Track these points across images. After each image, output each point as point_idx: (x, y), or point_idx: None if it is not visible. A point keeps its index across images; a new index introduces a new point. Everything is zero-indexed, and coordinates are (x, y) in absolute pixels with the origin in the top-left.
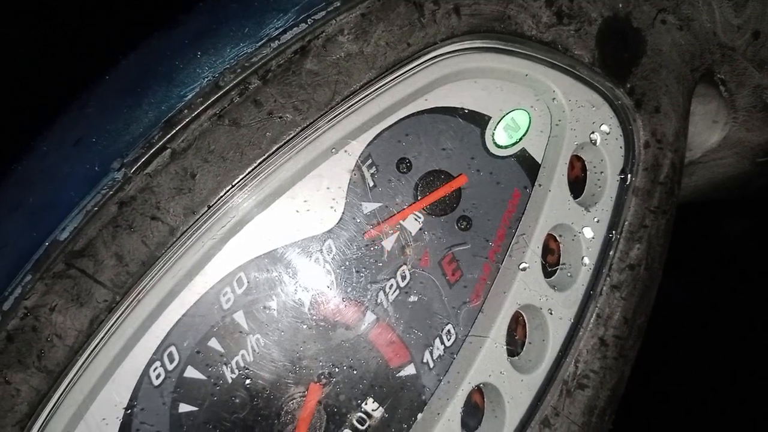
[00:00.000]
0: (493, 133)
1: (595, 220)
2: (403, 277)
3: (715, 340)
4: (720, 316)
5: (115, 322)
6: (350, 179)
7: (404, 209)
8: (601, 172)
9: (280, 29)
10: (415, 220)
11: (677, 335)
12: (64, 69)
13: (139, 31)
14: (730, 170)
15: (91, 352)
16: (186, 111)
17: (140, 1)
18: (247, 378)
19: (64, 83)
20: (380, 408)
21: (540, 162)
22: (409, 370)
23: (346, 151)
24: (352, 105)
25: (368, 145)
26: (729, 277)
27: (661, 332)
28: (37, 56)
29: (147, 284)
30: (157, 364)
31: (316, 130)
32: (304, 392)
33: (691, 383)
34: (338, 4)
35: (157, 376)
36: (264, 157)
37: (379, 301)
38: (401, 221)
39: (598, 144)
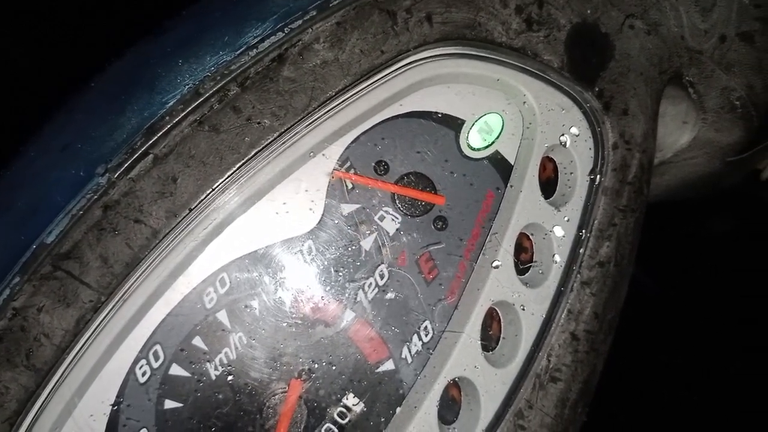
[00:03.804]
0: (467, 136)
1: (566, 219)
2: (382, 276)
3: (690, 335)
4: (694, 311)
5: (101, 321)
6: (329, 182)
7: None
8: (571, 173)
9: (258, 38)
10: (393, 221)
11: (652, 330)
12: (50, 74)
13: (124, 38)
14: (701, 169)
15: (78, 350)
16: (167, 117)
17: (125, 7)
18: (230, 375)
19: (51, 88)
20: (360, 402)
21: (512, 163)
22: (388, 365)
23: (324, 155)
24: (328, 110)
25: (346, 148)
26: (704, 274)
27: (636, 327)
28: (25, 62)
29: (131, 285)
30: (143, 362)
31: (294, 134)
32: (286, 388)
33: (665, 377)
34: (314, 13)
35: (143, 374)
36: (243, 161)
37: (358, 299)
38: (379, 222)
39: (568, 146)
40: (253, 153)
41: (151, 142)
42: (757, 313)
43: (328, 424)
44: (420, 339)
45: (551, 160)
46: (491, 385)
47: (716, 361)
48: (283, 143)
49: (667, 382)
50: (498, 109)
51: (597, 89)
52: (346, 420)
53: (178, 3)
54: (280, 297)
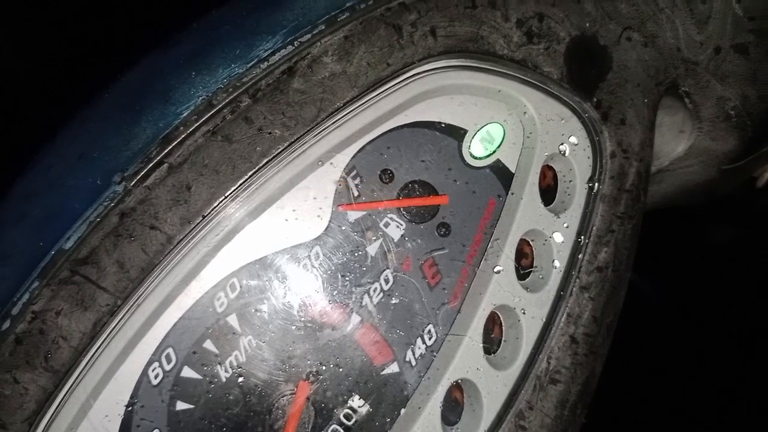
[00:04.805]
0: (470, 145)
1: (565, 225)
2: (387, 281)
3: (690, 342)
4: (694, 318)
5: (116, 324)
6: (336, 190)
7: (386, 202)
8: (571, 181)
9: (269, 51)
10: (397, 227)
11: (653, 336)
12: (59, 84)
13: (135, 50)
14: (697, 177)
15: (95, 353)
16: (182, 128)
17: (137, 19)
18: (240, 377)
19: (60, 98)
20: (366, 404)
21: (513, 172)
22: (393, 368)
23: (331, 164)
24: (336, 121)
25: (353, 157)
26: (704, 281)
27: (637, 334)
28: (40, 71)
29: (146, 289)
30: (156, 364)
31: (303, 144)
32: (294, 389)
33: (665, 383)
34: (323, 27)
35: (156, 376)
36: (254, 170)
37: (364, 303)
38: (384, 228)
39: (567, 154)
40: (264, 162)
41: (166, 151)
42: (756, 321)
43: (334, 425)
44: (424, 342)
45: (551, 168)
46: (493, 386)
47: (715, 367)
48: (293, 152)
49: (666, 387)
50: (499, 119)
51: (595, 100)
52: (352, 421)
53: (190, 16)
54: (288, 301)
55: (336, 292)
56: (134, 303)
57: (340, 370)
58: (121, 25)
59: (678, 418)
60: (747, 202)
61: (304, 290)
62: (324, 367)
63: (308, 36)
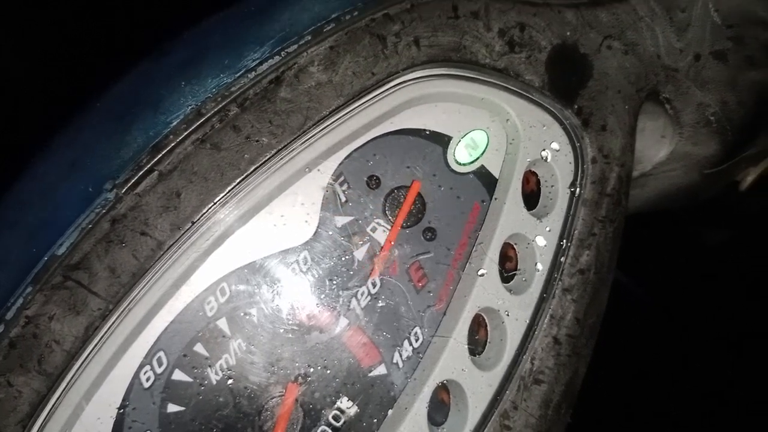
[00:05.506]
0: (454, 152)
1: (548, 229)
2: (374, 285)
3: (675, 344)
4: (680, 320)
5: (108, 329)
6: (323, 195)
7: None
8: (553, 186)
9: (257, 61)
10: (384, 231)
11: (639, 338)
12: (51, 91)
13: (126, 59)
14: (680, 181)
15: (87, 356)
16: (171, 136)
17: (128, 28)
18: (230, 379)
19: (52, 105)
20: (353, 405)
21: (497, 177)
22: (381, 370)
23: (319, 170)
24: (323, 128)
25: (340, 164)
26: (691, 284)
27: (623, 335)
28: (20, 71)
29: (137, 294)
30: (147, 367)
31: (291, 151)
32: (283, 391)
33: (651, 385)
34: (309, 38)
35: (147, 379)
36: (242, 177)
37: (351, 306)
38: (371, 233)
39: (549, 160)
40: (252, 169)
41: (156, 159)
42: (742, 323)
43: (323, 426)
44: (410, 344)
45: (534, 173)
46: (478, 387)
47: (700, 370)
48: (281, 159)
49: (651, 390)
50: (483, 126)
51: (576, 106)
52: (341, 422)
53: (179, 26)
54: (277, 305)
55: (324, 295)
56: (125, 307)
57: (329, 372)
58: (119, 27)
59: (663, 421)
60: (731, 206)
61: (293, 294)
62: (312, 370)
63: (295, 46)
